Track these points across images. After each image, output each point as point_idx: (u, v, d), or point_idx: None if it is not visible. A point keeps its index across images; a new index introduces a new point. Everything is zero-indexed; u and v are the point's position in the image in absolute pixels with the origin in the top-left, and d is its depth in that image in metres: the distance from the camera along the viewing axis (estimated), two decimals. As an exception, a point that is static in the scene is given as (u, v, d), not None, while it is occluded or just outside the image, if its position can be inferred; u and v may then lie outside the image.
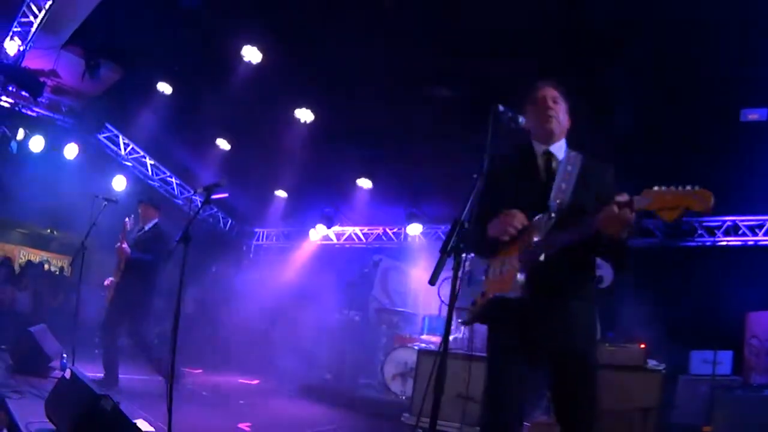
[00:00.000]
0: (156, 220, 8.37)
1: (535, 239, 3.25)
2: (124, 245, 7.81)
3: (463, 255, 2.94)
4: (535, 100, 3.55)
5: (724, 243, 9.78)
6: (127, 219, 8.10)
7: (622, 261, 3.40)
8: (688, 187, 2.78)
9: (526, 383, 3.29)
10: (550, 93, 3.56)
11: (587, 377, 3.24)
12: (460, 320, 3.69)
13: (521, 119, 3.39)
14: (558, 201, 3.32)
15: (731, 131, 7.76)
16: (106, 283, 8.11)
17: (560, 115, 3.55)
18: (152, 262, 7.96)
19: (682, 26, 6.55)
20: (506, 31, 7.37)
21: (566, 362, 3.23)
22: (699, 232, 10.20)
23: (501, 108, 3.25)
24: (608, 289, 6.85)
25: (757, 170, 8.01)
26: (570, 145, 3.60)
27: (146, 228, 8.29)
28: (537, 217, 3.29)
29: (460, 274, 2.91)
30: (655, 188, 2.87)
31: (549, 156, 3.54)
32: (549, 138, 3.54)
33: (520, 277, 3.23)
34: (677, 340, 7.97)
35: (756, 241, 9.60)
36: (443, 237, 2.99)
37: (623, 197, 2.95)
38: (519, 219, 3.28)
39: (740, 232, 9.76)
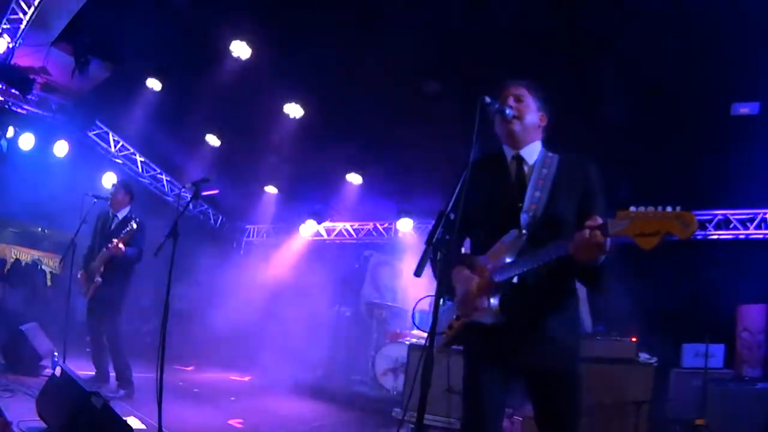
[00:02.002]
0: (129, 208, 8.07)
1: (508, 260, 3.09)
2: (121, 245, 7.41)
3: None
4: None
5: (716, 237, 9.79)
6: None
7: (599, 285, 3.14)
8: (669, 209, 2.58)
9: (504, 387, 3.17)
10: (513, 91, 3.37)
11: (569, 394, 3.14)
12: (437, 346, 3.34)
13: (508, 111, 3.26)
14: (530, 213, 3.13)
15: (722, 125, 7.77)
16: (78, 275, 7.89)
17: (525, 114, 3.32)
18: (137, 256, 7.75)
19: (673, 19, 6.56)
20: (498, 26, 7.36)
21: (547, 381, 3.12)
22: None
23: (487, 99, 3.09)
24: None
25: (748, 164, 8.01)
26: (551, 144, 3.43)
27: (119, 217, 7.96)
28: (507, 236, 3.14)
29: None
30: (632, 209, 2.65)
31: (519, 161, 3.35)
32: (513, 140, 3.34)
33: (493, 302, 3.10)
34: (669, 333, 8.01)
35: (747, 234, 9.62)
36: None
37: (595, 221, 2.75)
38: (469, 284, 3.20)
39: (731, 225, 9.76)
